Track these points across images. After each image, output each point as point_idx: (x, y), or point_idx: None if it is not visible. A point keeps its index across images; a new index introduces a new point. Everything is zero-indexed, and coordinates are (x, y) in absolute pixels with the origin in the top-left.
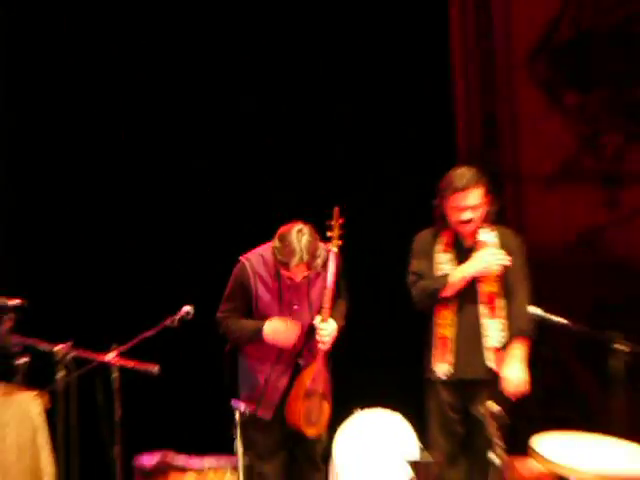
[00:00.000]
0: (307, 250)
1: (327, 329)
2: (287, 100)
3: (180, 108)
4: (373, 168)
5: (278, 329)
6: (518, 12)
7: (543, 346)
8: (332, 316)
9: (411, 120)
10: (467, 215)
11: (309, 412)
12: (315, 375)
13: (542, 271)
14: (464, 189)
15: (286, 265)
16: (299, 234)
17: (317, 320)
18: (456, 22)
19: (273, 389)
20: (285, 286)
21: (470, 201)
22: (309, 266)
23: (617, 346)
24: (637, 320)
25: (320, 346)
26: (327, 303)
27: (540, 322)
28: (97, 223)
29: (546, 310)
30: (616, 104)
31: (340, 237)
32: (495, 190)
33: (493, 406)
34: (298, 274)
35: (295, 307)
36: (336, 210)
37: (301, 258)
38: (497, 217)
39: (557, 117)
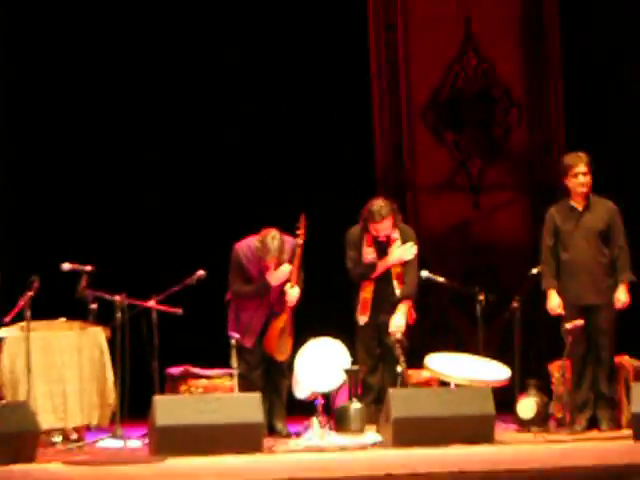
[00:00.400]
0: (277, 250)
1: (293, 292)
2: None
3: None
4: (320, 181)
5: (276, 274)
6: (416, 79)
7: (431, 297)
8: (297, 284)
9: (344, 147)
10: (382, 234)
11: (280, 345)
12: (285, 322)
13: (432, 249)
14: (380, 221)
15: (264, 259)
16: (273, 239)
17: (287, 286)
18: (375, 79)
19: (255, 326)
20: (263, 267)
21: (384, 227)
22: (278, 260)
23: (479, 296)
24: (490, 279)
25: (288, 303)
26: (294, 276)
27: (428, 281)
28: (138, 214)
29: (433, 273)
30: (479, 140)
31: (304, 235)
32: (400, 197)
33: (398, 335)
34: (270, 264)
35: None
36: (302, 216)
37: (273, 255)
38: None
39: (441, 149)
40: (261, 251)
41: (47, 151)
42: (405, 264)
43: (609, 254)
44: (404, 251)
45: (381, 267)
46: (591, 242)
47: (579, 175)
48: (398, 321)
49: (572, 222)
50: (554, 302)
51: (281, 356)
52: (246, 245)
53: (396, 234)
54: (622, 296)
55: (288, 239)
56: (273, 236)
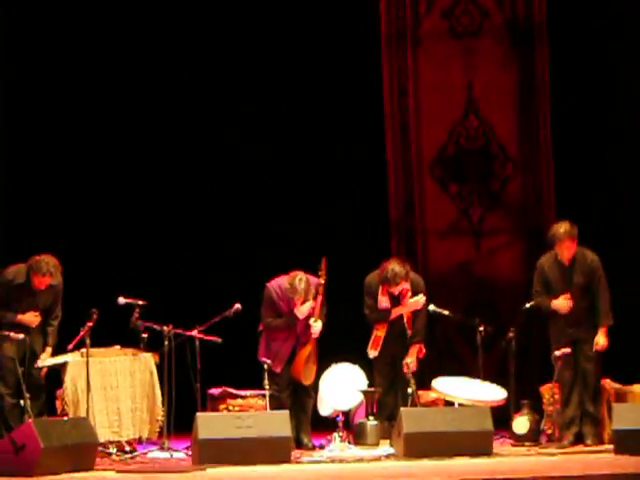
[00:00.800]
0: (304, 290)
1: (317, 326)
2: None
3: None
4: (342, 227)
5: (302, 309)
6: (425, 138)
7: (438, 327)
8: (320, 319)
9: (363, 198)
10: (397, 292)
11: (306, 371)
12: (310, 351)
13: (438, 286)
14: (397, 285)
15: (292, 298)
16: (300, 281)
17: (312, 320)
18: (390, 138)
19: (283, 354)
20: (292, 304)
21: (399, 288)
22: (305, 299)
23: (479, 327)
24: (489, 312)
25: (313, 335)
26: (317, 311)
27: (435, 314)
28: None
29: (440, 307)
30: (479, 191)
31: (325, 275)
32: (411, 240)
33: (408, 364)
34: (298, 302)
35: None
36: (324, 260)
37: (300, 295)
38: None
39: (446, 198)
40: (290, 291)
41: (94, 191)
42: (415, 311)
43: (591, 298)
44: (415, 303)
45: (394, 314)
46: (576, 293)
47: (564, 248)
48: (412, 364)
49: (559, 276)
50: (560, 301)
51: (306, 381)
52: (277, 284)
53: (407, 285)
54: (601, 340)
55: (312, 279)
56: (300, 278)
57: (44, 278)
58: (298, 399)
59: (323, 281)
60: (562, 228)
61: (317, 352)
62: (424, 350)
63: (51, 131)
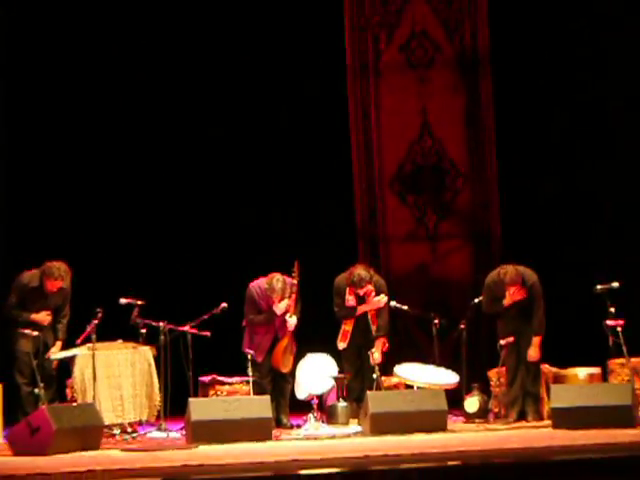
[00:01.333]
0: (281, 290)
1: (292, 321)
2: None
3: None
4: (313, 234)
5: (280, 306)
6: (386, 156)
7: (399, 321)
8: (295, 314)
9: (332, 208)
10: (362, 293)
11: (284, 360)
12: (287, 343)
13: (399, 285)
14: (362, 287)
15: (271, 296)
16: (277, 281)
17: (287, 316)
18: (355, 156)
19: (264, 346)
20: (271, 302)
21: (364, 290)
22: (282, 297)
23: (435, 320)
24: (443, 307)
25: (289, 328)
26: (292, 308)
27: (396, 309)
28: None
29: (400, 303)
30: (433, 202)
31: (298, 276)
32: (374, 245)
33: (373, 354)
34: (276, 299)
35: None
36: (296, 263)
37: (278, 294)
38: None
39: (405, 208)
40: (269, 290)
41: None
42: (378, 309)
43: (531, 308)
44: (378, 302)
45: (359, 311)
46: (519, 307)
47: (509, 291)
48: (377, 356)
49: (504, 292)
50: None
51: (285, 369)
52: (257, 285)
53: (371, 287)
54: (532, 352)
55: (288, 280)
56: (277, 279)
57: (56, 282)
58: (277, 385)
59: (296, 282)
60: (507, 276)
61: (294, 343)
62: (387, 344)
63: (52, 134)
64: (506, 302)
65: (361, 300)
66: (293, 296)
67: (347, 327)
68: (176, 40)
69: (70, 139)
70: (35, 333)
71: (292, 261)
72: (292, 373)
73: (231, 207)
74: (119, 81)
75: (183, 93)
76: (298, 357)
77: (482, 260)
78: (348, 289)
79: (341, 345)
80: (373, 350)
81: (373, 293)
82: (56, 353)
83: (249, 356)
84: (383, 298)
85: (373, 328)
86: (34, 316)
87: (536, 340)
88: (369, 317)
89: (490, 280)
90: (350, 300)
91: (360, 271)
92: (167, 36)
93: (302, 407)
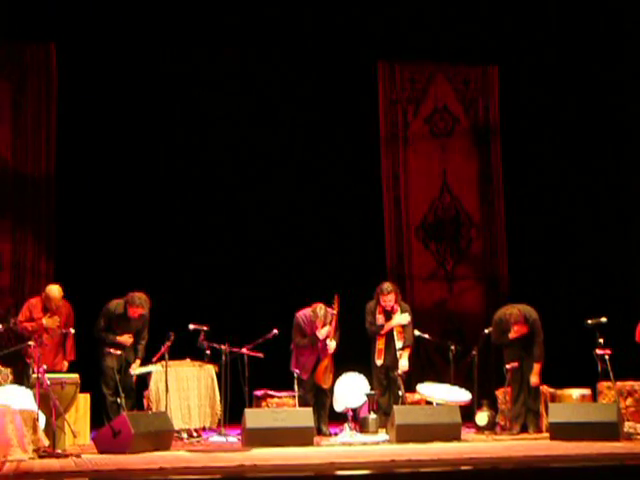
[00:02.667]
0: (323, 317)
1: (331, 344)
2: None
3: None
4: (351, 273)
5: (322, 332)
6: (412, 209)
7: (421, 347)
8: (334, 339)
9: (368, 251)
10: (388, 305)
11: (325, 378)
12: (327, 363)
13: (422, 317)
14: (387, 294)
15: (314, 322)
16: (320, 310)
17: (328, 340)
18: (387, 208)
19: (308, 365)
20: (314, 327)
21: (389, 298)
22: (323, 323)
23: (451, 347)
24: (458, 336)
25: (329, 351)
26: (332, 334)
27: (419, 337)
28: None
29: (422, 332)
30: (451, 248)
31: (338, 307)
32: (401, 283)
33: (398, 371)
34: (318, 325)
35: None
36: (336, 296)
37: (320, 320)
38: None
39: (427, 253)
40: (313, 317)
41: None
42: (403, 326)
43: (532, 340)
44: (402, 318)
45: (387, 327)
46: (522, 339)
47: (513, 330)
48: (404, 363)
49: (509, 328)
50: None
51: (325, 385)
52: (303, 314)
53: (397, 307)
54: (534, 378)
55: (329, 310)
56: (320, 308)
57: (137, 309)
58: (319, 399)
59: (336, 312)
60: (512, 317)
61: (333, 364)
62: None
63: (117, 176)
64: (511, 336)
65: (388, 319)
66: (333, 323)
67: (380, 346)
68: (224, 110)
69: (133, 179)
70: (118, 352)
71: (333, 295)
72: (331, 389)
73: (283, 251)
74: (152, 123)
75: (233, 158)
76: (337, 375)
77: (492, 298)
78: (378, 309)
79: (378, 362)
80: (402, 362)
81: (398, 311)
82: (136, 369)
83: (295, 374)
84: (407, 315)
85: (400, 343)
86: (119, 338)
87: (537, 367)
88: (395, 334)
89: (497, 317)
90: (379, 319)
91: (386, 283)
92: (215, 105)
93: (339, 418)
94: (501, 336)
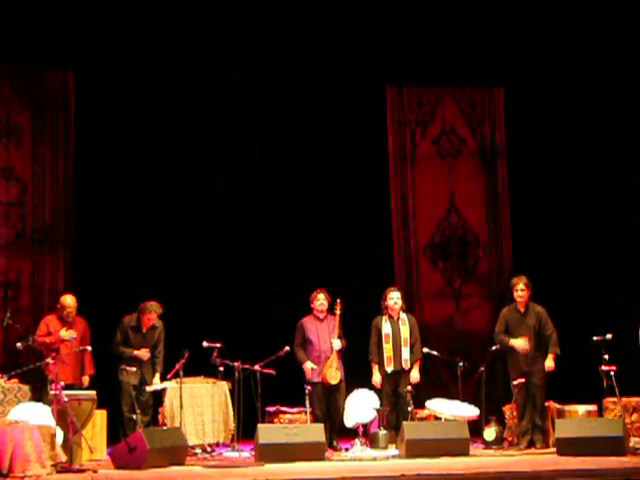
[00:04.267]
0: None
1: (335, 342)
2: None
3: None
4: (360, 292)
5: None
6: (421, 229)
7: (429, 363)
8: (338, 338)
9: (380, 271)
10: (395, 299)
11: (330, 374)
12: (332, 359)
13: (430, 334)
14: (393, 290)
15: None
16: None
17: (332, 339)
18: (395, 229)
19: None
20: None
21: (396, 295)
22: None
23: (459, 363)
24: (466, 353)
25: (334, 348)
26: (336, 332)
27: (428, 354)
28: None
29: (431, 349)
30: (459, 267)
31: (341, 310)
32: (410, 301)
33: (409, 387)
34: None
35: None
36: (338, 300)
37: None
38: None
39: (435, 272)
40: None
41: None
42: (413, 340)
43: (537, 340)
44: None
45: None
46: (528, 333)
47: (518, 290)
48: (416, 375)
49: (516, 320)
50: (519, 341)
51: (332, 381)
52: (307, 319)
53: (404, 315)
54: (549, 363)
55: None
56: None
57: (150, 315)
58: (330, 415)
59: (338, 313)
60: (518, 277)
61: (340, 363)
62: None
63: (132, 191)
64: (511, 343)
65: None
66: (336, 323)
67: (389, 353)
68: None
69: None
70: (133, 369)
71: (336, 299)
72: (338, 410)
73: (294, 269)
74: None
75: (246, 177)
76: (347, 392)
77: (497, 315)
78: (384, 314)
79: (389, 368)
80: (413, 374)
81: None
82: (153, 385)
83: (307, 390)
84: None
85: (406, 350)
86: (136, 352)
87: (551, 355)
88: (403, 345)
89: (505, 309)
90: (386, 327)
91: (393, 288)
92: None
93: (350, 433)
94: (503, 334)
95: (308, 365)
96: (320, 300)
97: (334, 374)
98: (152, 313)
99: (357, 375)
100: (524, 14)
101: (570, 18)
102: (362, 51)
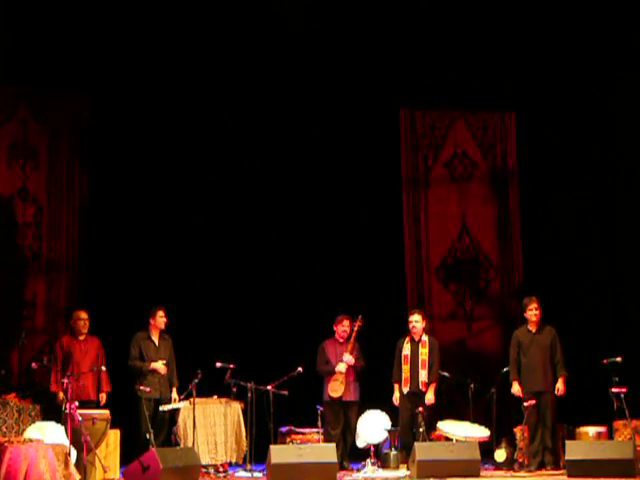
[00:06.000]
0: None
1: (347, 356)
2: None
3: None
4: (376, 311)
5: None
6: (433, 251)
7: (442, 385)
8: (350, 354)
9: (391, 295)
10: (414, 323)
11: (333, 387)
12: (337, 376)
13: (442, 355)
14: (413, 314)
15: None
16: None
17: (345, 353)
18: (408, 250)
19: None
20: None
21: (415, 318)
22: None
23: (471, 385)
24: (478, 375)
25: (345, 360)
26: (349, 348)
27: (440, 375)
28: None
29: (443, 370)
30: (470, 289)
31: (359, 327)
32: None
33: (420, 408)
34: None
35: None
36: (360, 317)
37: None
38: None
39: (447, 294)
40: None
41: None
42: (431, 359)
43: (550, 360)
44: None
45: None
46: (541, 352)
47: (533, 310)
48: (430, 397)
49: (528, 340)
50: (516, 388)
51: (334, 394)
52: (327, 341)
53: (425, 337)
54: (560, 386)
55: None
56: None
57: (159, 311)
58: (343, 436)
59: (357, 325)
60: (530, 297)
61: (345, 378)
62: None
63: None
64: (512, 385)
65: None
66: (353, 335)
67: (406, 374)
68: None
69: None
70: (148, 389)
71: (358, 314)
72: (352, 430)
73: (306, 291)
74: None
75: (260, 199)
76: (360, 412)
77: (509, 338)
78: (405, 343)
79: (405, 389)
80: (428, 396)
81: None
82: (167, 405)
83: (319, 411)
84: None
85: (423, 373)
86: (153, 364)
87: (561, 379)
88: (420, 366)
89: (517, 331)
90: (406, 348)
91: (416, 309)
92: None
93: (361, 454)
94: (514, 358)
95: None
96: (344, 326)
97: (337, 387)
98: (160, 311)
99: (372, 397)
100: (536, 39)
101: (581, 43)
102: (377, 76)
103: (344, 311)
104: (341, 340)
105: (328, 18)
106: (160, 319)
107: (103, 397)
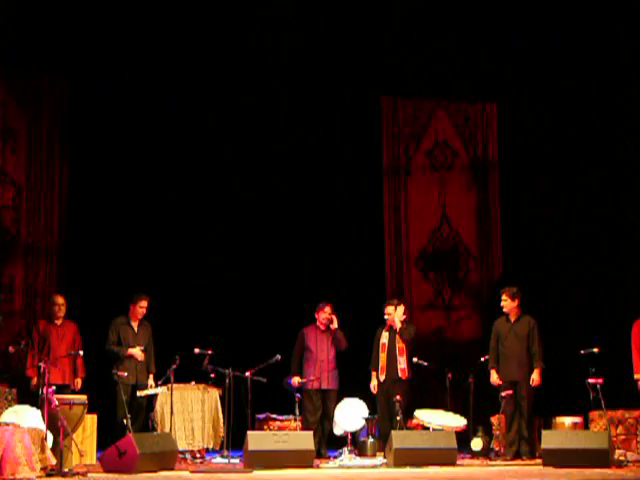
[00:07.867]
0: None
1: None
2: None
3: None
4: (355, 302)
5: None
6: (412, 240)
7: (419, 374)
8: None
9: (369, 283)
10: (387, 315)
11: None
12: None
13: (420, 345)
14: (389, 305)
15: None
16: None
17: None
18: (387, 239)
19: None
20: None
21: (390, 307)
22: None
23: (448, 374)
24: (455, 363)
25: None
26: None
27: (417, 364)
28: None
29: (421, 359)
30: (449, 278)
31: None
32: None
33: (397, 396)
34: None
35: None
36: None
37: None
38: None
39: (426, 283)
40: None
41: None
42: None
43: (526, 349)
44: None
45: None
46: (518, 342)
47: (502, 301)
48: (536, 377)
49: (506, 330)
50: (494, 377)
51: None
52: (308, 328)
53: (400, 308)
54: (535, 377)
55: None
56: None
57: (141, 302)
58: (321, 424)
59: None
60: (503, 289)
61: (326, 366)
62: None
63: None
64: (491, 374)
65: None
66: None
67: (382, 363)
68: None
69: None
70: (125, 374)
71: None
72: (330, 418)
73: (285, 277)
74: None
75: (241, 187)
76: (337, 400)
77: (487, 327)
78: (382, 331)
79: (381, 377)
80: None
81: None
82: (144, 390)
83: (297, 398)
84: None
85: (402, 359)
86: (131, 350)
87: (537, 370)
88: (398, 354)
89: (497, 321)
90: (384, 337)
91: (394, 298)
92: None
93: (339, 441)
94: (493, 348)
95: (295, 380)
96: (326, 314)
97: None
98: (143, 301)
99: (350, 385)
100: (518, 29)
101: (563, 34)
102: (359, 65)
103: (324, 299)
104: (322, 327)
105: (308, 5)
106: (140, 309)
107: (78, 382)
